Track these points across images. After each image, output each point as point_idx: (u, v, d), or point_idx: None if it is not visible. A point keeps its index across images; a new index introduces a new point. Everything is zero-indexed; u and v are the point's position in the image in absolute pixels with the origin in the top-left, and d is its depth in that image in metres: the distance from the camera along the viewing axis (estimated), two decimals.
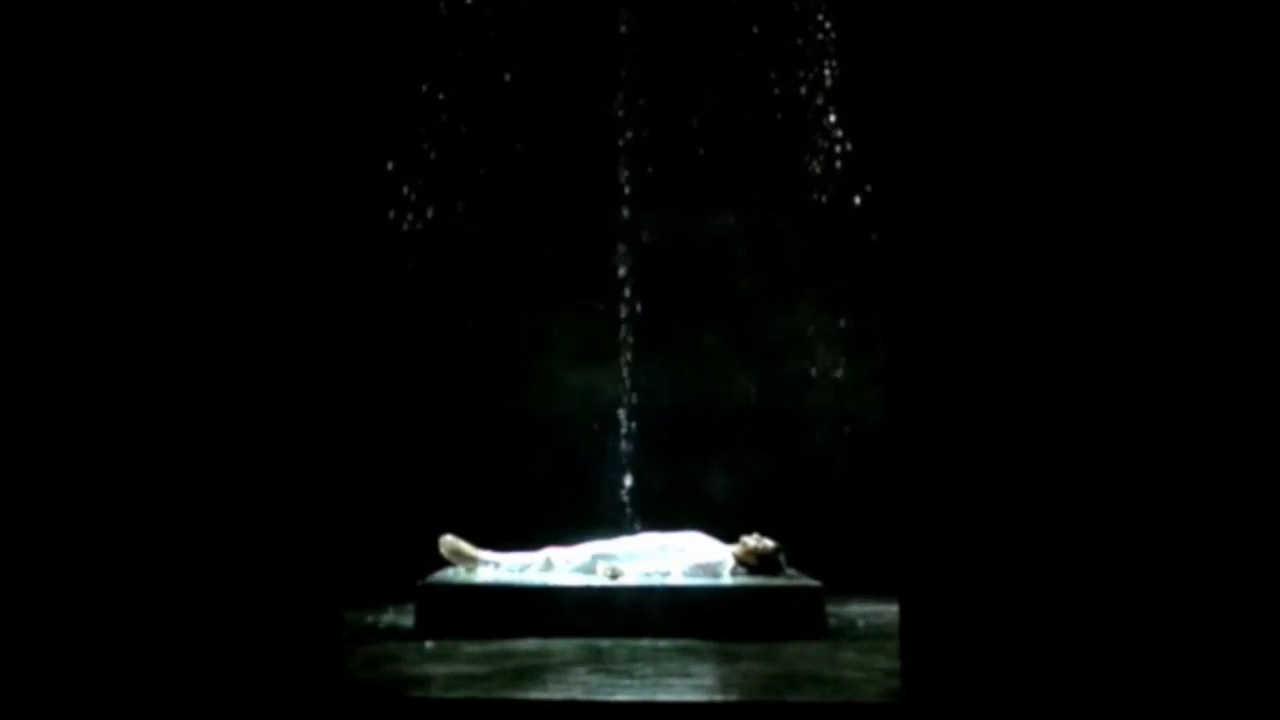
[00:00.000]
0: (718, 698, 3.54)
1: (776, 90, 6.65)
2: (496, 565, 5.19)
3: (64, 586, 2.96)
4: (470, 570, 5.20)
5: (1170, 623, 2.90)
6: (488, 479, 6.36)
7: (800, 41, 6.61)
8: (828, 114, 6.57)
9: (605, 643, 4.45)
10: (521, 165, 6.63)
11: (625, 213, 6.72)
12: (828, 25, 6.55)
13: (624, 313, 6.71)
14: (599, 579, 4.94)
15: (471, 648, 4.32)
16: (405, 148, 6.37)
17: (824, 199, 6.55)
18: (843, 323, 6.54)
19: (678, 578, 4.98)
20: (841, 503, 6.29)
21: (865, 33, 6.33)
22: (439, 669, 3.93)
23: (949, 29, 3.10)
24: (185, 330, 3.05)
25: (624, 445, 6.60)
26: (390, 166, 6.19)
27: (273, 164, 3.10)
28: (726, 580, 5.01)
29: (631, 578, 4.94)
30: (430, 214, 6.52)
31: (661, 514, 5.97)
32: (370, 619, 4.94)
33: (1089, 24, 3.05)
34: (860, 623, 4.99)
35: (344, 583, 3.20)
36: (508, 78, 6.58)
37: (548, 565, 5.14)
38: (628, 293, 6.71)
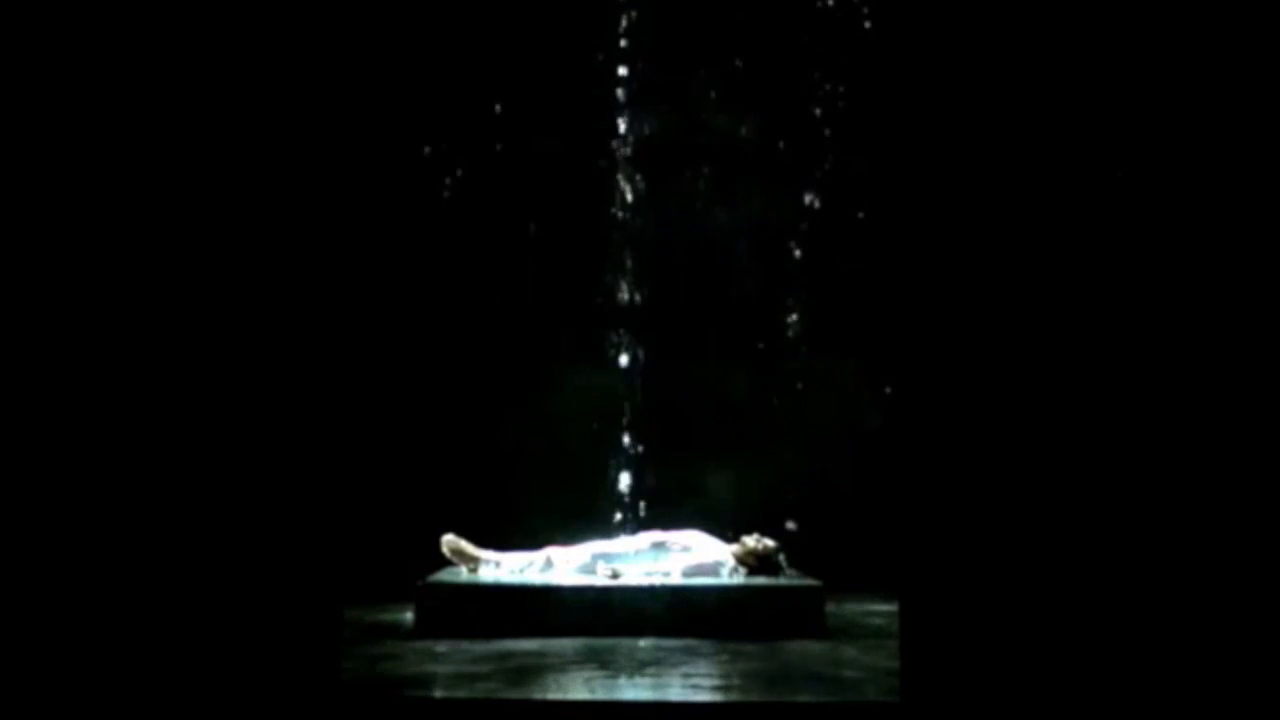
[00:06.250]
0: (718, 698, 3.54)
1: (776, 87, 6.65)
2: (497, 565, 5.19)
3: (64, 586, 2.96)
4: (471, 570, 5.21)
5: (1170, 623, 2.90)
6: (488, 479, 6.35)
7: (803, 38, 6.61)
8: (830, 112, 6.58)
9: (605, 643, 4.46)
10: (521, 164, 6.63)
11: (626, 211, 6.72)
12: (830, 22, 6.55)
13: (624, 312, 6.71)
14: (599, 579, 4.95)
15: (472, 647, 4.33)
16: (403, 146, 6.37)
17: (826, 197, 6.56)
18: (843, 321, 6.54)
19: (677, 578, 4.98)
20: (841, 503, 6.29)
21: (866, 31, 6.33)
22: (439, 669, 3.93)
23: (952, 27, 3.10)
24: (185, 330, 3.05)
25: (624, 445, 6.60)
26: (388, 166, 6.19)
27: (266, 166, 3.10)
28: (726, 580, 5.01)
29: (631, 578, 4.94)
30: (428, 215, 6.53)
31: (661, 514, 5.97)
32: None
33: (1090, 24, 3.05)
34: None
35: (344, 583, 3.20)
36: (507, 75, 6.58)
37: (548, 565, 5.14)
38: (628, 292, 6.71)
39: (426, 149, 6.50)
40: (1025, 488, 2.98)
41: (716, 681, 3.74)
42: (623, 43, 6.68)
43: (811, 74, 6.59)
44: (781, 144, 6.64)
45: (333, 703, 3.14)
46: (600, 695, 3.53)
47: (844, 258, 6.45)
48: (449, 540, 5.27)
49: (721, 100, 6.71)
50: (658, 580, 4.93)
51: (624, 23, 6.66)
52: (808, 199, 6.60)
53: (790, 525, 6.24)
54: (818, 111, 6.58)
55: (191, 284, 3.06)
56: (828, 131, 6.59)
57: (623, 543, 5.30)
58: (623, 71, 6.68)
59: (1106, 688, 2.90)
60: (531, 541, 5.30)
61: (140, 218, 3.05)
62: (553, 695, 3.56)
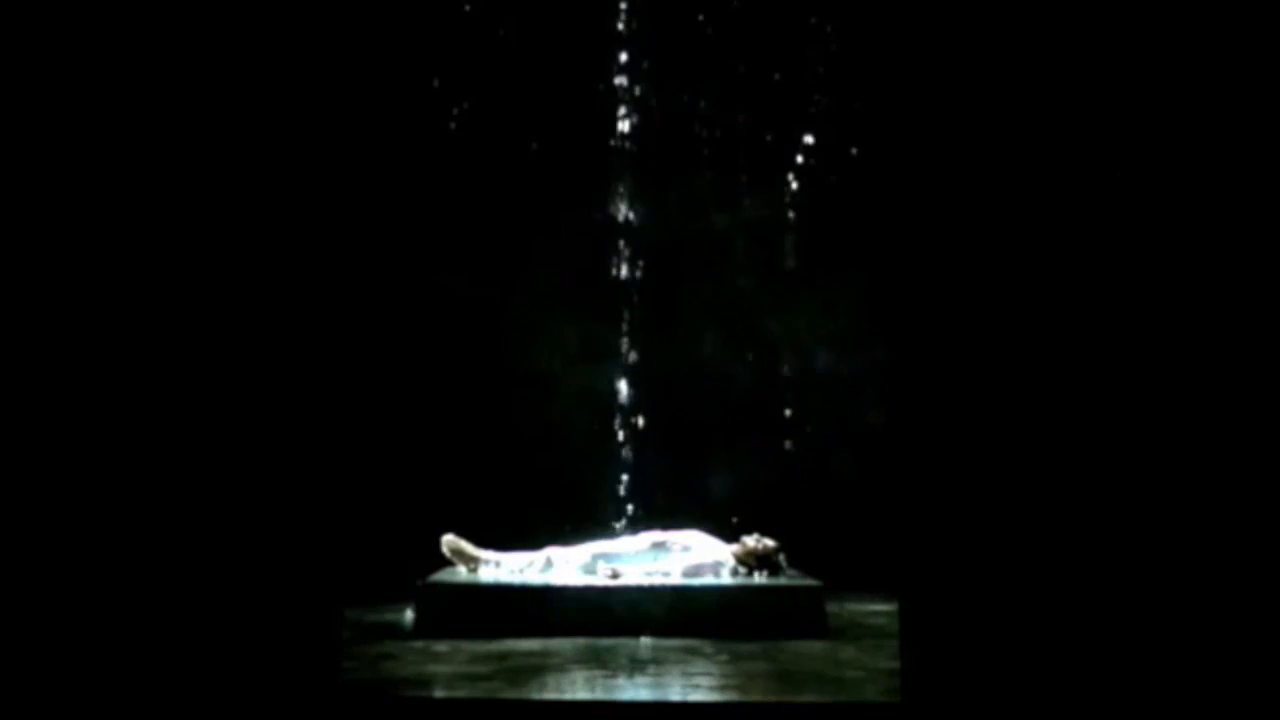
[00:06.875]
0: (718, 698, 3.54)
1: (775, 86, 6.65)
2: (498, 565, 5.20)
3: (64, 586, 2.96)
4: (472, 570, 5.21)
5: (1170, 622, 2.90)
6: (488, 479, 6.35)
7: (801, 37, 6.61)
8: (828, 112, 6.57)
9: (605, 643, 4.46)
10: (520, 162, 6.63)
11: (625, 211, 6.72)
12: (829, 23, 6.55)
13: (624, 312, 6.71)
14: (599, 579, 4.95)
15: (472, 647, 4.32)
16: (402, 144, 6.37)
17: (824, 197, 6.56)
18: (842, 322, 6.54)
19: (677, 578, 4.98)
20: (841, 503, 6.29)
21: (866, 30, 6.33)
22: (439, 669, 3.93)
23: (951, 25, 3.10)
24: (184, 328, 3.04)
25: (624, 445, 6.60)
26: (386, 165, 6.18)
27: (264, 170, 3.10)
28: (726, 580, 5.01)
29: (631, 578, 4.94)
30: (428, 214, 6.53)
31: (661, 514, 5.96)
32: None
33: (1089, 24, 3.05)
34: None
35: (344, 583, 3.20)
36: (505, 75, 6.58)
37: (549, 565, 5.14)
38: (628, 292, 6.71)
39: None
40: (1025, 487, 2.98)
41: (716, 681, 3.74)
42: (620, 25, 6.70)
43: (810, 68, 6.59)
44: (776, 138, 6.65)
45: (333, 703, 3.14)
46: (600, 695, 3.53)
47: (841, 256, 6.45)
48: (449, 540, 5.27)
49: (719, 96, 6.71)
50: (658, 580, 4.93)
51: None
52: (800, 187, 6.61)
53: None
54: (817, 98, 6.58)
55: (188, 281, 3.05)
56: (822, 129, 6.59)
57: (623, 543, 5.30)
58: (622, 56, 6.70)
59: (1106, 687, 2.90)
60: (532, 541, 5.30)
61: (131, 197, 3.04)
62: (552, 695, 3.56)
